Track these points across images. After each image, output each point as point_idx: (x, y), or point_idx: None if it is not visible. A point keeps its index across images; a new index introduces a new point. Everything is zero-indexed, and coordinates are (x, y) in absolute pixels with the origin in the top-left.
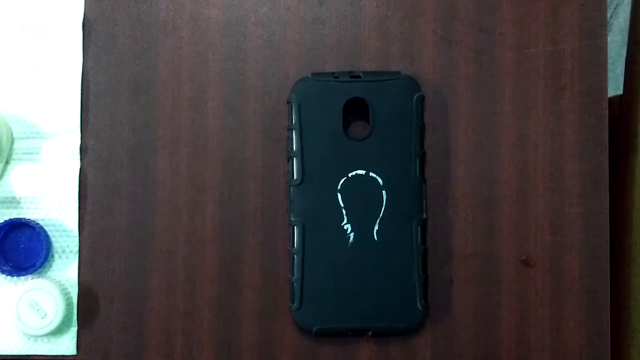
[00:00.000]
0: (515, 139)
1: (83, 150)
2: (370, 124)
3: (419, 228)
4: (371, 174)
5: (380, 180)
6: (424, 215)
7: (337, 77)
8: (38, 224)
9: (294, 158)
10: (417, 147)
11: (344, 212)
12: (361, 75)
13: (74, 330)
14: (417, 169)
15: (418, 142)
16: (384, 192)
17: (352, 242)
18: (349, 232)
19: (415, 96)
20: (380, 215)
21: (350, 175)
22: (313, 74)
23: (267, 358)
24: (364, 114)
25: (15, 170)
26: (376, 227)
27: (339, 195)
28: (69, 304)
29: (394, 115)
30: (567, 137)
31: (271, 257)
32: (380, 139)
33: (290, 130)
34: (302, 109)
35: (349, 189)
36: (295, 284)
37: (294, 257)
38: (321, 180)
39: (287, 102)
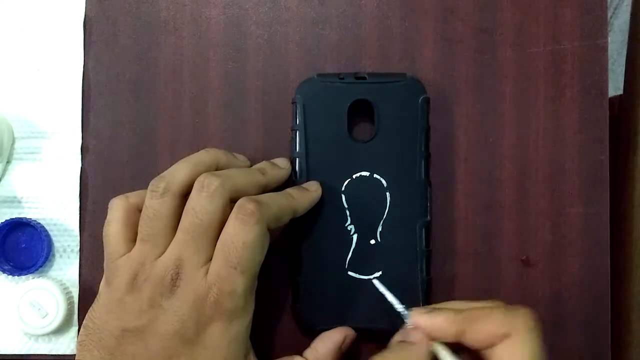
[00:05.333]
0: (516, 139)
1: (84, 149)
2: (375, 126)
3: (423, 230)
4: (375, 175)
5: (384, 182)
6: (428, 218)
7: (343, 79)
8: (39, 223)
9: (298, 159)
10: (422, 149)
11: (347, 213)
12: (366, 76)
13: (74, 329)
14: (422, 171)
15: (423, 144)
16: (387, 193)
17: (355, 243)
18: (352, 233)
19: (421, 98)
20: (384, 217)
21: (354, 176)
22: (318, 75)
23: (267, 358)
24: (369, 115)
25: (17, 170)
26: (380, 229)
27: (343, 197)
28: (70, 304)
29: (399, 117)
30: (567, 137)
31: (273, 257)
32: (385, 141)
33: (294, 131)
34: (306, 110)
35: (353, 190)
36: (297, 283)
37: (296, 257)
38: (325, 181)
39: (292, 103)
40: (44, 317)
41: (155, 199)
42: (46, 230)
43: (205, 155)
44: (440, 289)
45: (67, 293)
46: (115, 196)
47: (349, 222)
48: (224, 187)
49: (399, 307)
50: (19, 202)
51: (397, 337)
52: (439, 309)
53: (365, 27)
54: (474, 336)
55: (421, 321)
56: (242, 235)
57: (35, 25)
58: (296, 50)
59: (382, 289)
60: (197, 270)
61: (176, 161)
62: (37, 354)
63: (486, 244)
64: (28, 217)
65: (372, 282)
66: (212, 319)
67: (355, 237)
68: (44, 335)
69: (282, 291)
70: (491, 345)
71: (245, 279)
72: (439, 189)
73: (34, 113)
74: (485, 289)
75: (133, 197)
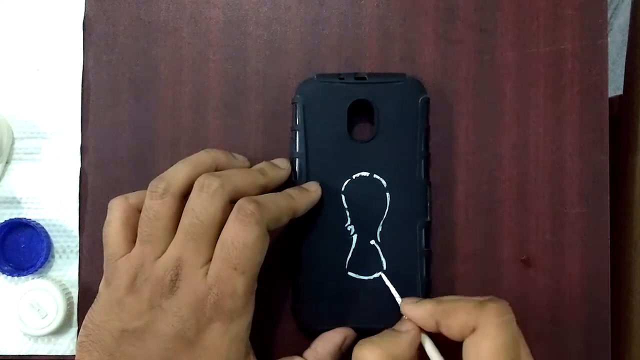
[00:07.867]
0: (516, 139)
1: (83, 150)
2: (375, 126)
3: (423, 231)
4: (375, 175)
5: (384, 182)
6: (428, 218)
7: (342, 79)
8: (38, 224)
9: (298, 159)
10: (422, 149)
11: (347, 213)
12: (366, 77)
13: (74, 330)
14: (422, 172)
15: (423, 144)
16: (387, 194)
17: (355, 244)
18: (352, 233)
19: (421, 98)
20: (384, 217)
21: (354, 176)
22: (318, 75)
23: (267, 358)
24: (368, 115)
25: (16, 170)
26: (379, 229)
27: (343, 197)
28: (69, 304)
29: (399, 117)
30: (567, 137)
31: (273, 257)
32: (385, 141)
33: (294, 131)
34: (306, 110)
35: (353, 190)
36: (297, 284)
37: (296, 257)
38: (325, 181)
39: (292, 103)
40: (44, 317)
41: (155, 200)
42: (46, 231)
43: (205, 156)
44: (440, 289)
45: (66, 294)
46: (115, 196)
47: (349, 222)
48: (224, 187)
49: (398, 300)
50: (19, 202)
51: (394, 326)
52: (426, 299)
53: (365, 27)
54: (448, 328)
55: (406, 310)
56: (242, 236)
57: (35, 25)
58: (296, 50)
59: (387, 282)
60: (196, 271)
61: (176, 161)
62: (37, 355)
63: (486, 244)
64: (27, 217)
65: (373, 281)
66: (212, 320)
67: (355, 237)
68: (43, 336)
69: (282, 291)
70: (463, 337)
71: (245, 279)
72: (439, 189)
73: (33, 113)
74: (485, 289)
75: (133, 197)
